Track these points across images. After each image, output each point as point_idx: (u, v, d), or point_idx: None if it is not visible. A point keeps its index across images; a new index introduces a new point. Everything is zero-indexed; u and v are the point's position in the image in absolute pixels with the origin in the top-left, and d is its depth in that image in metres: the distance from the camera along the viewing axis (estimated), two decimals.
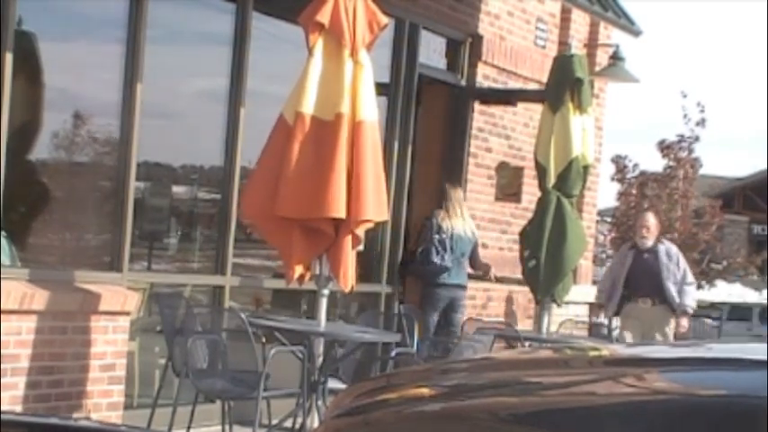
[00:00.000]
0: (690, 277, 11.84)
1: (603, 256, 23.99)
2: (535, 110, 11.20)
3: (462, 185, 11.33)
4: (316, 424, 7.67)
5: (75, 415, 7.35)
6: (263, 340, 8.07)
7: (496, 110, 11.71)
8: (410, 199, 10.82)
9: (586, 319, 12.58)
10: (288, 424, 8.22)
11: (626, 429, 2.58)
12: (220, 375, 8.12)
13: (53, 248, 8.44)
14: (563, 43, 11.92)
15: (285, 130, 7.50)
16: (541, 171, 9.76)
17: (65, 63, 8.14)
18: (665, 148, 23.85)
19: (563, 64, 9.84)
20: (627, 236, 18.20)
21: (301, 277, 7.58)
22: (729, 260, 27.98)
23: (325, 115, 7.49)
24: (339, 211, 7.39)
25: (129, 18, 8.04)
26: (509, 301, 11.85)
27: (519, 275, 10.41)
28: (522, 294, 11.64)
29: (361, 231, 7.64)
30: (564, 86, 9.69)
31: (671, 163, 23.87)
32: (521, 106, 11.88)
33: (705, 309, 20.19)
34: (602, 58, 12.77)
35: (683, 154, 23.87)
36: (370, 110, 7.63)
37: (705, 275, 26.21)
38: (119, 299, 7.83)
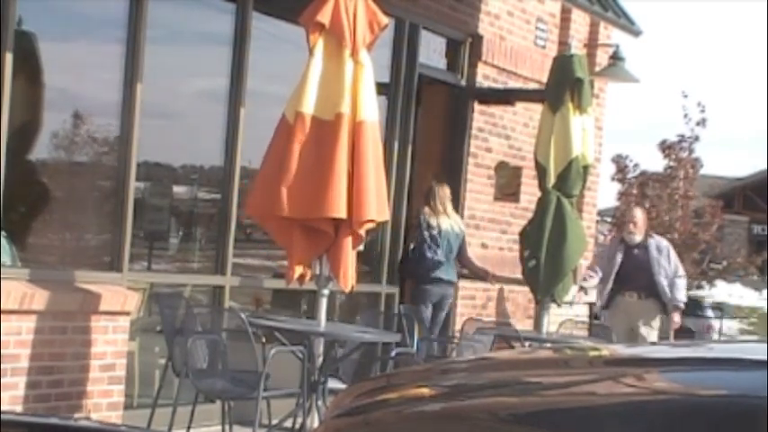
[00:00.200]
0: (681, 270, 11.89)
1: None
2: (535, 110, 11.20)
3: (462, 185, 11.34)
4: (316, 424, 7.67)
5: (76, 415, 7.35)
6: (263, 340, 8.07)
7: (496, 110, 11.71)
8: (410, 199, 10.82)
9: (586, 319, 12.59)
10: (288, 424, 8.22)
11: (626, 429, 2.58)
12: (220, 375, 8.12)
13: (53, 248, 8.44)
14: (563, 43, 11.92)
15: (286, 130, 7.50)
16: (541, 171, 9.76)
17: (65, 63, 8.14)
18: (666, 148, 23.85)
19: (563, 64, 9.84)
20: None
21: (301, 277, 7.58)
22: (729, 260, 27.98)
23: (325, 115, 7.49)
24: (339, 211, 7.40)
25: (129, 18, 8.04)
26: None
27: (519, 275, 10.41)
28: (522, 294, 11.64)
29: (363, 231, 7.65)
30: (564, 86, 9.69)
31: (671, 163, 23.86)
32: (521, 106, 11.88)
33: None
34: (602, 58, 12.77)
35: (684, 154, 23.86)
36: (371, 110, 7.63)
37: (705, 275, 26.20)
38: (119, 299, 7.83)
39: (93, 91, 8.46)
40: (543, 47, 12.32)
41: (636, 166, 24.74)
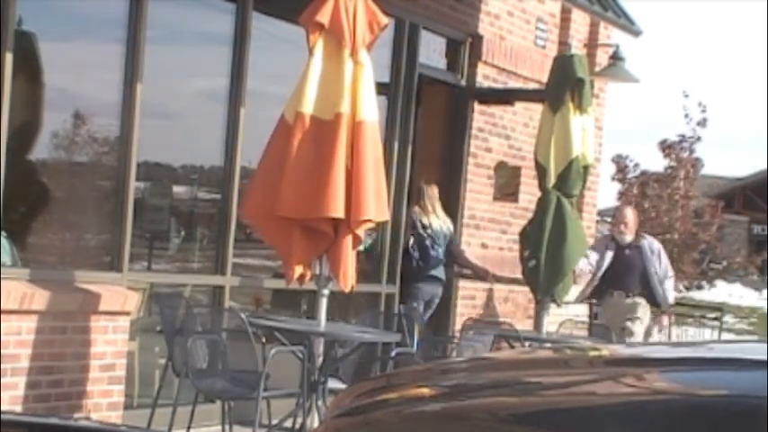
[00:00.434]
0: (670, 271, 11.88)
1: None
2: (535, 110, 11.20)
3: (462, 185, 11.35)
4: (316, 424, 7.67)
5: (76, 415, 7.35)
6: (263, 340, 8.07)
7: (496, 110, 11.71)
8: (410, 199, 10.82)
9: (586, 318, 12.59)
10: (288, 424, 8.21)
11: (626, 429, 2.58)
12: (220, 375, 8.12)
13: (53, 248, 8.44)
14: (563, 43, 11.92)
15: (285, 130, 7.50)
16: (541, 171, 9.76)
17: (65, 63, 8.14)
18: (666, 148, 23.84)
19: (563, 64, 9.84)
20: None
21: (301, 277, 7.58)
22: (729, 260, 27.98)
23: (324, 115, 7.49)
24: (338, 210, 7.39)
25: (129, 18, 8.04)
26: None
27: (519, 275, 10.41)
28: (522, 294, 11.64)
29: (361, 231, 7.64)
30: (564, 86, 9.69)
31: (672, 163, 23.85)
32: (521, 106, 11.88)
33: (704, 308, 20.19)
34: (602, 58, 12.77)
35: (684, 154, 23.85)
36: (371, 110, 7.63)
37: (705, 275, 26.20)
38: (119, 299, 7.83)
39: (93, 91, 8.46)
40: (543, 47, 12.32)
41: (636, 166, 24.73)
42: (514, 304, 12.08)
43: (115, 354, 7.82)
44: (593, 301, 11.96)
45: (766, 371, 2.72)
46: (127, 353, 7.97)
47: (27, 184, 8.11)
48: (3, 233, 7.48)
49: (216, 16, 9.23)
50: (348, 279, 7.61)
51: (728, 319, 24.96)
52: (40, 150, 8.19)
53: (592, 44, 12.93)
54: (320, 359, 7.92)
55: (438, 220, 10.75)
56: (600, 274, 11.63)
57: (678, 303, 20.57)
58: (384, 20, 7.81)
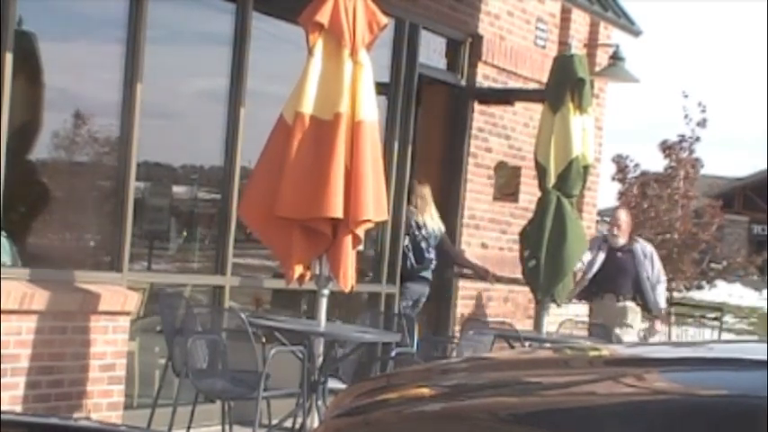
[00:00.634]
0: (662, 276, 11.84)
1: None
2: (535, 110, 11.20)
3: (462, 185, 11.35)
4: (316, 424, 7.67)
5: (76, 415, 7.35)
6: (263, 340, 8.07)
7: (496, 110, 11.71)
8: (409, 199, 10.82)
9: (586, 318, 12.58)
10: (288, 424, 8.21)
11: (626, 429, 2.58)
12: (220, 375, 8.12)
13: (53, 248, 8.44)
14: (563, 43, 11.92)
15: (285, 130, 7.50)
16: (541, 171, 9.76)
17: (65, 63, 8.14)
18: (666, 148, 23.82)
19: (563, 64, 9.84)
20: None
21: (301, 277, 7.58)
22: (729, 260, 27.95)
23: (324, 115, 7.48)
24: (337, 210, 7.39)
25: (129, 18, 8.04)
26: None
27: (519, 275, 10.41)
28: (522, 294, 11.64)
29: (360, 231, 7.64)
30: (564, 86, 9.70)
31: (672, 163, 23.83)
32: (521, 106, 11.88)
33: (704, 308, 20.18)
34: (602, 58, 12.77)
35: (684, 154, 23.83)
36: (370, 110, 7.62)
37: (705, 275, 26.17)
38: (119, 299, 7.83)
39: (93, 91, 8.46)
40: (543, 47, 12.32)
41: (636, 166, 24.71)
42: (514, 304, 12.07)
43: (115, 354, 7.82)
44: (582, 301, 11.92)
45: (766, 371, 2.72)
46: (127, 353, 7.97)
47: (27, 184, 8.11)
48: (3, 233, 7.48)
49: (216, 16, 9.23)
50: (348, 279, 7.60)
51: (728, 319, 24.97)
52: (40, 150, 8.19)
53: (592, 44, 12.93)
54: (320, 359, 7.92)
55: (431, 220, 10.75)
56: (590, 275, 11.58)
57: (678, 303, 20.59)
58: (384, 20, 7.81)
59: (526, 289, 10.44)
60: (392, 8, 9.46)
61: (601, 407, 2.72)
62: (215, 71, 9.15)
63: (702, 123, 23.60)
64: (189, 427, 8.09)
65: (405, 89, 10.60)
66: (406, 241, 10.69)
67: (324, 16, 7.49)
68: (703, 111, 23.68)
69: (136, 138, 8.09)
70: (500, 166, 11.74)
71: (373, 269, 10.51)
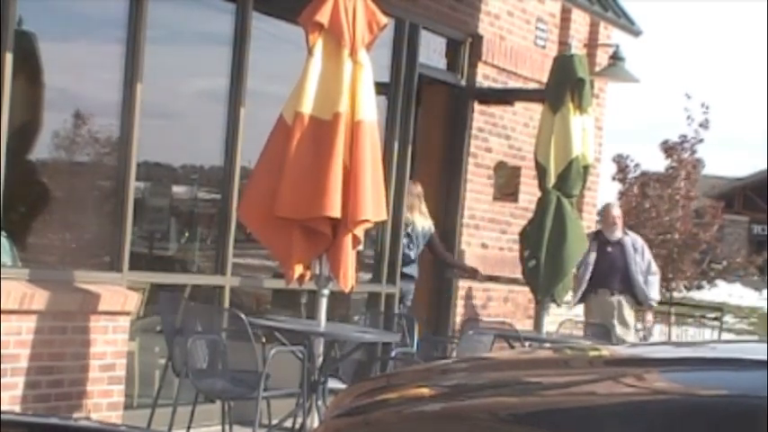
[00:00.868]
0: (654, 267, 11.87)
1: None
2: (535, 110, 11.20)
3: (462, 185, 11.34)
4: (316, 424, 7.67)
5: (75, 415, 7.35)
6: (263, 340, 8.07)
7: (496, 110, 11.71)
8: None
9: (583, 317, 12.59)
10: (288, 424, 8.21)
11: (626, 429, 2.58)
12: (220, 375, 8.11)
13: (53, 248, 8.44)
14: (563, 43, 11.92)
15: (284, 130, 7.50)
16: (541, 171, 9.76)
17: (65, 63, 8.14)
18: (668, 148, 23.81)
19: (563, 64, 9.85)
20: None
21: (301, 277, 7.58)
22: (729, 260, 27.95)
23: (323, 115, 7.48)
24: (335, 210, 7.39)
25: (129, 18, 8.04)
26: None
27: (519, 275, 10.41)
28: (522, 294, 11.64)
29: (359, 231, 7.63)
30: (564, 86, 9.70)
31: (673, 163, 23.82)
32: (521, 106, 11.88)
33: (704, 309, 20.19)
34: (602, 58, 12.77)
35: (686, 155, 23.83)
36: (370, 110, 7.62)
37: (705, 275, 26.17)
38: (119, 299, 7.82)
39: (93, 91, 8.45)
40: (543, 47, 12.32)
41: (637, 166, 24.71)
42: (514, 304, 12.08)
43: (115, 354, 7.82)
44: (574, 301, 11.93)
45: (766, 371, 2.72)
46: (127, 353, 7.97)
47: (27, 184, 8.11)
48: (3, 233, 7.48)
49: (216, 16, 9.23)
50: (348, 279, 7.60)
51: (728, 319, 24.98)
52: (40, 150, 8.19)
53: (592, 44, 12.93)
54: (320, 359, 7.92)
55: (421, 218, 10.73)
56: (587, 276, 11.61)
57: (678, 303, 20.60)
58: (383, 20, 7.81)
59: (526, 289, 10.44)
60: (392, 8, 9.46)
61: (601, 407, 2.72)
62: (215, 71, 9.15)
63: (705, 124, 23.59)
64: (189, 427, 8.09)
65: (405, 89, 10.60)
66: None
67: (324, 16, 7.49)
68: (706, 112, 23.67)
69: (136, 138, 8.08)
70: (500, 166, 11.73)
71: (373, 269, 10.51)
